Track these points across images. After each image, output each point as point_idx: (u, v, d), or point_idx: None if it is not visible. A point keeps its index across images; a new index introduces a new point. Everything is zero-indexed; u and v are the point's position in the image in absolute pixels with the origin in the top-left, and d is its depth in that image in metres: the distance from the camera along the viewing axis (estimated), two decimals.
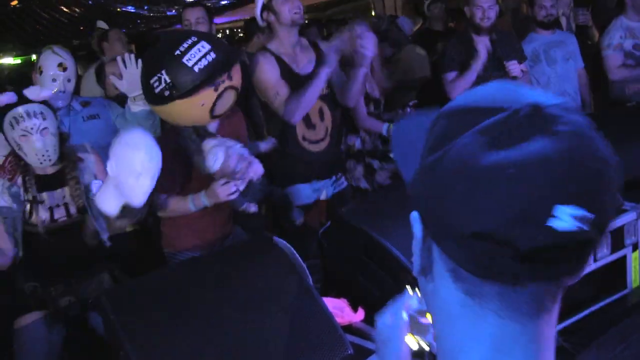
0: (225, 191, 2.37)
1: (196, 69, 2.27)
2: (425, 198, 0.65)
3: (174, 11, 9.73)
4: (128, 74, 2.69)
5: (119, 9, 9.39)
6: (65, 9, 9.77)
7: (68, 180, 2.48)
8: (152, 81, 2.31)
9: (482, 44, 3.56)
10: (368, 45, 2.95)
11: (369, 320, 2.07)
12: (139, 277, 1.97)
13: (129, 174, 2.09)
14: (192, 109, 2.36)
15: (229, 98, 2.40)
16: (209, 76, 2.29)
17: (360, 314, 2.11)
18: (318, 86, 2.87)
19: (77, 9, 9.80)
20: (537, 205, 0.56)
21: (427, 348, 0.88)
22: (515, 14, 5.48)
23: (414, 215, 0.69)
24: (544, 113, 0.60)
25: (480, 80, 3.65)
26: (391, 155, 3.61)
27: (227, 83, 2.35)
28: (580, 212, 0.56)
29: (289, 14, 2.92)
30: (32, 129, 2.36)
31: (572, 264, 0.60)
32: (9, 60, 11.37)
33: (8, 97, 2.39)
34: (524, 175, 0.57)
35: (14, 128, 2.37)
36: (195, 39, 2.31)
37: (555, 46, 4.15)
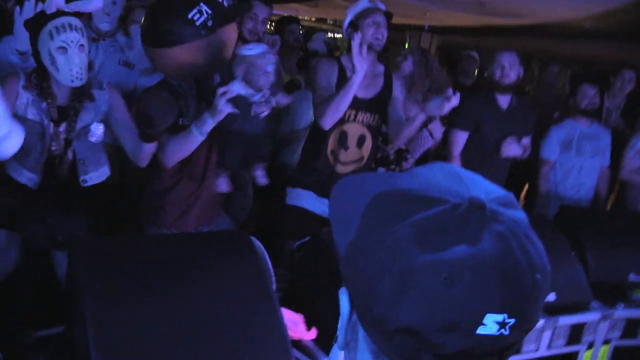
0: (226, 105, 2.36)
1: (225, 3, 2.45)
2: (355, 281, 0.65)
3: None
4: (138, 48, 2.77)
5: None
6: None
7: (70, 115, 2.39)
8: (191, 15, 2.38)
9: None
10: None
11: (319, 341, 2.09)
12: (113, 237, 1.98)
13: None
14: (227, 43, 2.53)
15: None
16: (237, 12, 2.55)
17: (313, 334, 2.12)
18: (348, 93, 2.83)
19: None
20: (469, 315, 0.58)
21: None
22: (551, 91, 5.50)
23: (343, 291, 0.69)
24: (482, 210, 0.60)
25: (491, 139, 3.69)
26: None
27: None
28: (504, 318, 0.59)
29: (371, 38, 2.92)
30: (72, 42, 2.25)
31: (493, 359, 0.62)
32: None
33: (58, 2, 2.27)
34: (458, 282, 0.57)
35: (52, 39, 2.24)
36: None
37: (588, 138, 4.17)
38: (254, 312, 1.92)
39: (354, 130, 3.01)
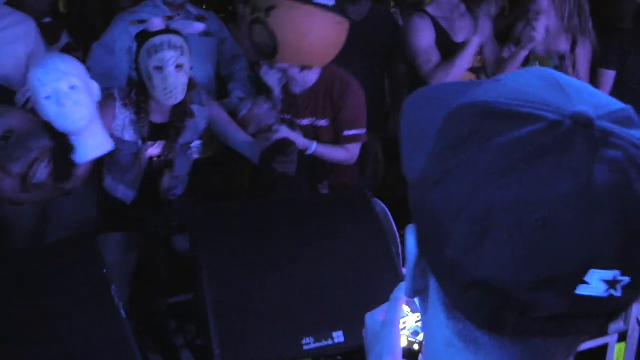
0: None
1: None
2: (424, 217, 0.51)
3: None
4: None
5: None
6: None
7: (171, 134, 2.40)
8: None
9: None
10: (539, 27, 2.77)
11: None
12: (233, 203, 2.00)
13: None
14: None
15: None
16: None
17: None
18: (468, 56, 2.71)
19: None
20: (567, 269, 0.44)
21: (417, 348, 0.75)
22: None
23: (410, 229, 0.56)
24: (589, 130, 0.45)
25: (635, 75, 3.36)
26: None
27: None
28: (615, 275, 0.44)
29: None
30: (168, 61, 2.27)
31: (593, 325, 0.49)
32: None
33: (159, 22, 2.33)
34: (554, 228, 0.44)
35: (150, 57, 2.28)
36: None
37: None
38: (375, 272, 1.87)
39: (463, 79, 2.85)
